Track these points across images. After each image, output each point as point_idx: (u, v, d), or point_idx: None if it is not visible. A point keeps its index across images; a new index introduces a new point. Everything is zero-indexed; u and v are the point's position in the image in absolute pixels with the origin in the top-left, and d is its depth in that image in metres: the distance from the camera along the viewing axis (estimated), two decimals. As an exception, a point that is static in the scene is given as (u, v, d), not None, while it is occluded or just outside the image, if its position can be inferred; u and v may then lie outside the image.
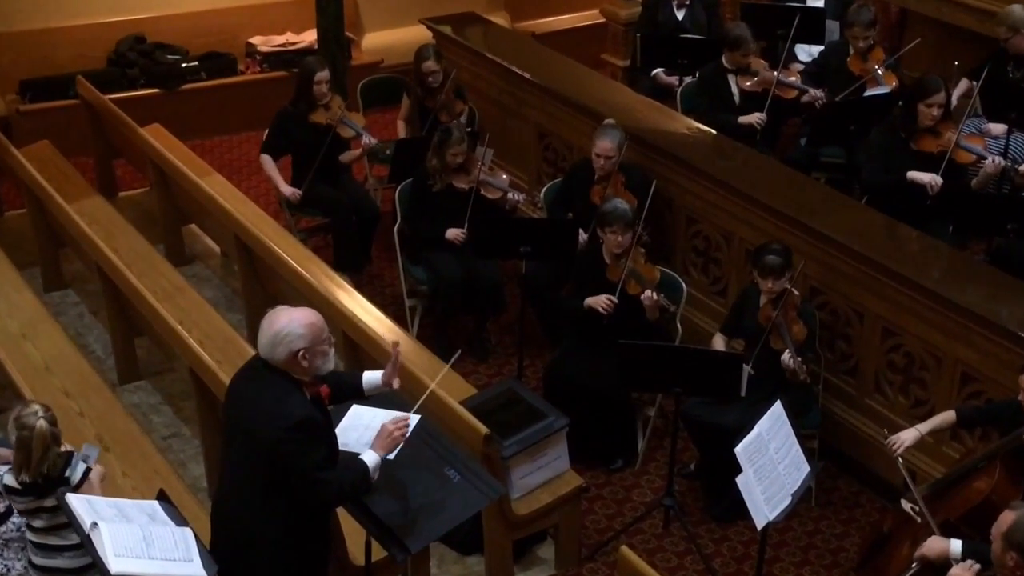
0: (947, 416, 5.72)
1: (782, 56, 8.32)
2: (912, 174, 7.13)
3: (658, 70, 9.09)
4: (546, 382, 6.87)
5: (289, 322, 4.57)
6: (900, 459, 5.56)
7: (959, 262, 6.65)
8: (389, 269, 8.40)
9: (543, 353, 7.53)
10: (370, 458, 4.71)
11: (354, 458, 4.72)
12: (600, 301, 6.63)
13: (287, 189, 8.05)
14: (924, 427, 5.68)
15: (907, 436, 5.65)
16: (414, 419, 4.86)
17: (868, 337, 6.58)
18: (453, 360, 5.15)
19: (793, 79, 8.25)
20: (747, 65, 8.19)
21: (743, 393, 6.05)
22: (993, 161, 7.15)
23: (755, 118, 8.03)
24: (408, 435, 4.79)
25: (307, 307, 4.74)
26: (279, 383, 4.59)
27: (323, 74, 7.96)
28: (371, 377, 5.02)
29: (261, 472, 4.60)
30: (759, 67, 8.23)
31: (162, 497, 4.96)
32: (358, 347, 6.42)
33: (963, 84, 8.34)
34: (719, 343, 6.59)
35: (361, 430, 4.91)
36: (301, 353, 4.56)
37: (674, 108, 8.52)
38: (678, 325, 6.81)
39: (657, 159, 7.58)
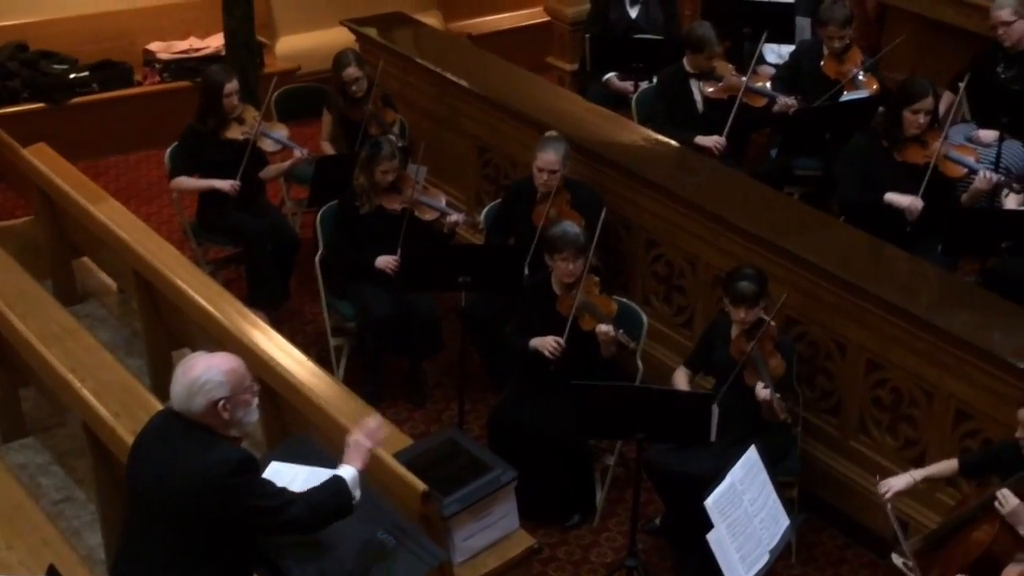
0: (948, 465, 5.78)
1: (751, 58, 8.38)
2: (890, 196, 7.19)
3: (610, 74, 9.14)
4: (491, 430, 6.84)
5: (207, 369, 4.59)
6: (890, 507, 5.59)
7: (950, 286, 6.71)
8: (311, 304, 8.36)
9: (487, 396, 7.52)
10: (346, 472, 4.74)
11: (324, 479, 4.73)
12: (547, 343, 6.62)
13: (224, 183, 7.96)
14: (919, 473, 5.73)
15: (898, 482, 5.69)
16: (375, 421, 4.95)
17: (851, 371, 6.62)
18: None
19: (762, 84, 8.31)
20: (711, 69, 8.25)
21: (713, 437, 6.06)
22: (984, 175, 7.23)
23: (713, 141, 8.07)
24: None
25: (226, 352, 4.73)
26: (199, 437, 4.59)
27: (231, 85, 7.94)
28: None
29: (188, 541, 4.57)
30: (724, 71, 8.29)
31: (52, 573, 4.88)
32: (277, 395, 6.37)
33: (947, 97, 8.44)
34: (682, 379, 6.60)
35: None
36: (222, 404, 4.57)
37: (629, 117, 8.56)
38: (639, 362, 6.81)
39: (611, 175, 7.61)
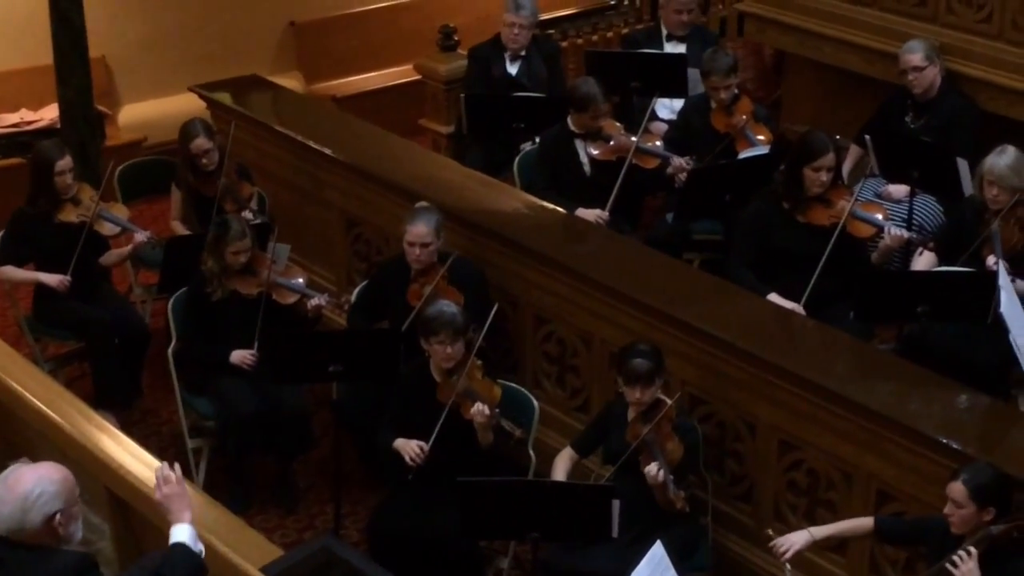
0: (859, 524, 5.93)
1: (641, 115, 8.47)
2: (773, 299, 7.24)
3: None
4: (371, 535, 6.81)
5: (38, 480, 4.58)
6: (788, 567, 5.70)
7: (865, 356, 6.80)
8: (165, 402, 8.26)
9: (366, 497, 7.47)
10: (180, 533, 4.76)
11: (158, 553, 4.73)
12: (409, 448, 6.60)
13: (52, 277, 7.86)
14: (819, 531, 5.90)
15: (796, 539, 5.84)
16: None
17: (763, 453, 6.67)
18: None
19: (653, 144, 8.39)
20: (598, 129, 8.32)
21: (615, 533, 6.06)
22: (893, 231, 7.36)
23: (595, 216, 8.11)
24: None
25: (49, 461, 4.72)
26: (35, 558, 4.54)
27: (64, 162, 7.87)
28: None
29: None
30: (612, 131, 8.35)
31: None
32: (128, 506, 6.25)
33: (854, 151, 8.61)
34: (562, 464, 6.62)
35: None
36: (57, 517, 4.58)
37: (512, 183, 8.61)
38: (531, 452, 6.81)
39: (493, 246, 7.64)
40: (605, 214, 8.12)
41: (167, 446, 7.89)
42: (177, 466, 5.04)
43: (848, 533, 5.99)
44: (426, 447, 6.58)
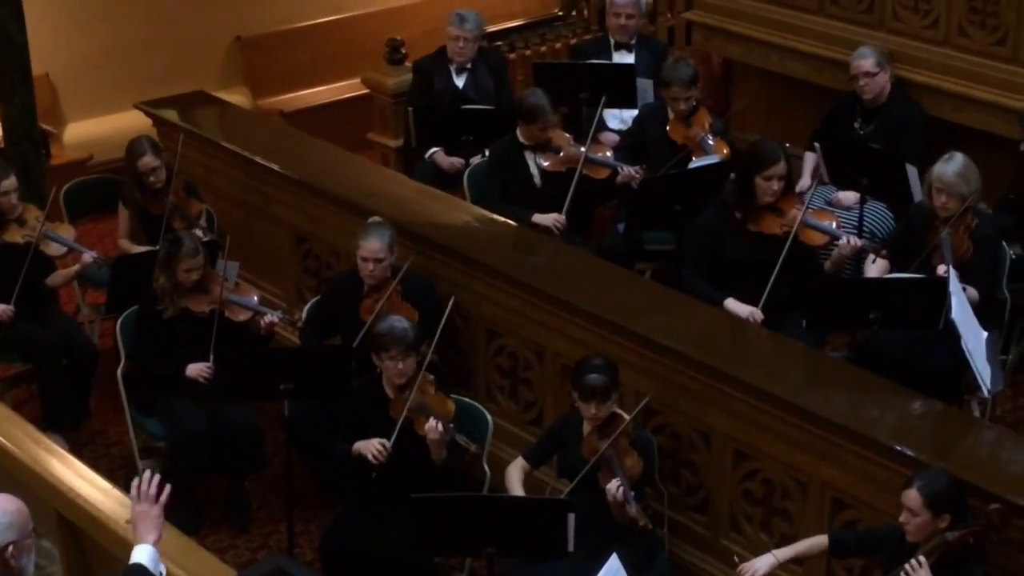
0: (816, 542, 5.92)
1: (590, 126, 8.48)
2: (729, 304, 7.28)
3: (435, 150, 9.16)
4: (324, 553, 6.76)
5: None
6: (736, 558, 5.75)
7: (819, 364, 6.84)
8: (115, 423, 8.22)
9: (319, 515, 7.43)
10: (141, 554, 4.71)
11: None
12: (371, 446, 6.58)
13: None
14: (782, 553, 5.88)
15: (761, 563, 5.84)
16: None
17: (718, 463, 6.68)
18: None
19: (603, 155, 8.40)
20: (547, 140, 8.33)
21: (571, 547, 6.04)
22: (848, 241, 7.38)
23: (552, 220, 8.13)
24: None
25: (3, 493, 4.68)
26: None
27: (8, 182, 7.84)
28: None
29: None
30: (562, 142, 8.37)
31: None
32: (79, 531, 6.20)
33: (809, 158, 8.63)
34: (515, 474, 6.62)
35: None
36: (10, 550, 4.54)
37: (462, 196, 8.60)
38: (485, 467, 6.80)
39: (444, 260, 7.63)
40: (562, 218, 8.13)
41: (117, 467, 7.84)
42: (157, 479, 4.94)
43: (808, 552, 5.99)
44: (388, 443, 6.55)
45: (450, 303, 6.98)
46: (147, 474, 4.96)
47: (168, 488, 4.93)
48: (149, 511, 4.83)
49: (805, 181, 8.53)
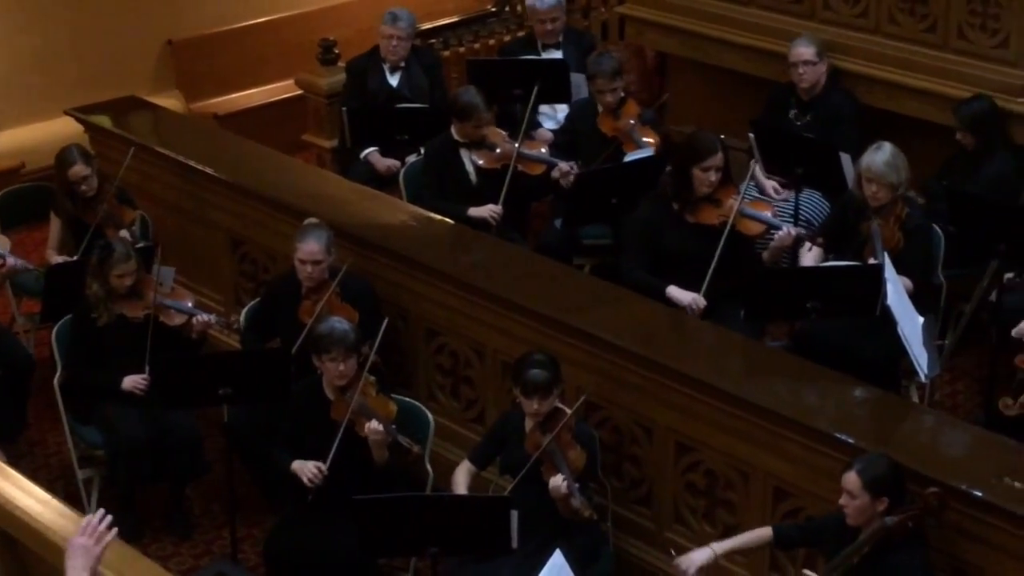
0: (759, 534, 5.97)
1: (522, 122, 8.51)
2: (671, 292, 7.31)
3: (370, 149, 9.16)
4: (268, 558, 6.76)
5: None
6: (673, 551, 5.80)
7: (757, 354, 6.89)
8: (52, 433, 8.16)
9: (263, 520, 7.42)
10: None
11: None
12: (306, 470, 6.57)
13: None
14: (721, 546, 5.93)
15: (699, 556, 5.88)
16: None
17: (660, 456, 6.72)
18: None
19: (536, 151, 8.43)
20: (482, 137, 8.35)
21: (515, 544, 6.07)
22: (787, 231, 7.43)
23: (488, 211, 8.16)
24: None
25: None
26: None
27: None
28: None
29: None
30: (497, 139, 8.39)
31: None
32: (17, 543, 6.17)
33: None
34: (462, 476, 6.63)
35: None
36: None
37: (398, 195, 8.61)
38: (428, 467, 6.81)
39: (381, 260, 7.63)
40: (498, 208, 8.15)
41: (56, 478, 7.81)
42: (108, 519, 4.89)
43: (750, 544, 6.03)
44: (324, 468, 6.56)
45: (383, 324, 6.96)
46: (100, 512, 4.90)
47: (115, 531, 4.88)
48: (85, 545, 4.74)
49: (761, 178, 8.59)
